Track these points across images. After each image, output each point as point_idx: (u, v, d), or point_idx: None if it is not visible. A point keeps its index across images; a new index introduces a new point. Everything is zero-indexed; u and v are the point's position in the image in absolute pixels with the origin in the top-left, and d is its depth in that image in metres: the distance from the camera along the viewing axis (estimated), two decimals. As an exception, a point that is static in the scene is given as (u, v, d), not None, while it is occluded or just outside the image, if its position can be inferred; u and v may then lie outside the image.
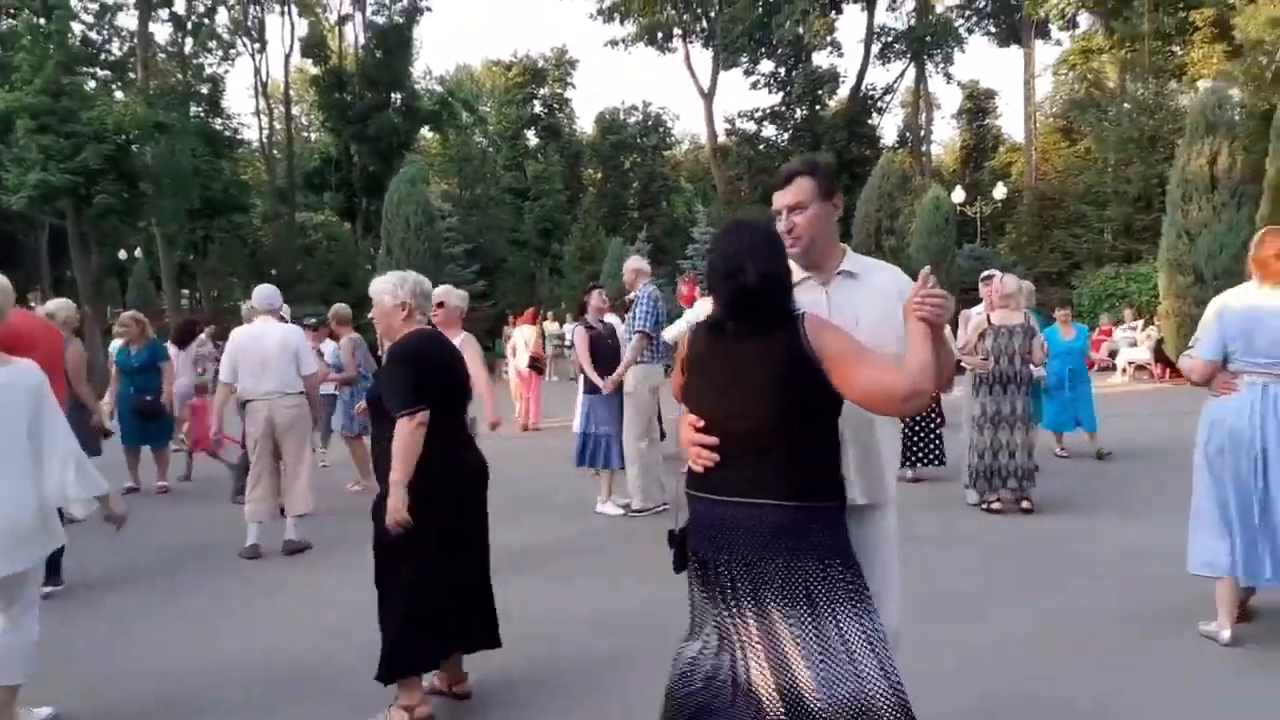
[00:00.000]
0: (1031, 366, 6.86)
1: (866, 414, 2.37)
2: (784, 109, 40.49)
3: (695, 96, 41.06)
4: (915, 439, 8.07)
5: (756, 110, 40.91)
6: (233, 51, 38.79)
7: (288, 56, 39.24)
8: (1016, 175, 38.09)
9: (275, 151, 40.70)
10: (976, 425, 6.84)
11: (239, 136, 39.38)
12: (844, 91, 40.43)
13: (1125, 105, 30.91)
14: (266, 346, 6.22)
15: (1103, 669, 3.89)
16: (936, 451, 8.11)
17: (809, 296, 2.53)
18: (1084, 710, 3.51)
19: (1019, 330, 6.71)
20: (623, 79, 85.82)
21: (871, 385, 2.21)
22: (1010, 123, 54.87)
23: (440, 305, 5.59)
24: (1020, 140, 39.97)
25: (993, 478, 6.77)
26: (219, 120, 37.58)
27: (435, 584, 3.48)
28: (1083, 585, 5.07)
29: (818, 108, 39.74)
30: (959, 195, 27.07)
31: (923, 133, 42.36)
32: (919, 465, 8.14)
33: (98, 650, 4.56)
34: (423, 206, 23.77)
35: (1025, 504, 6.79)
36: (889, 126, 56.16)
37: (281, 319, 6.75)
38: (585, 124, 49.57)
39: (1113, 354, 19.28)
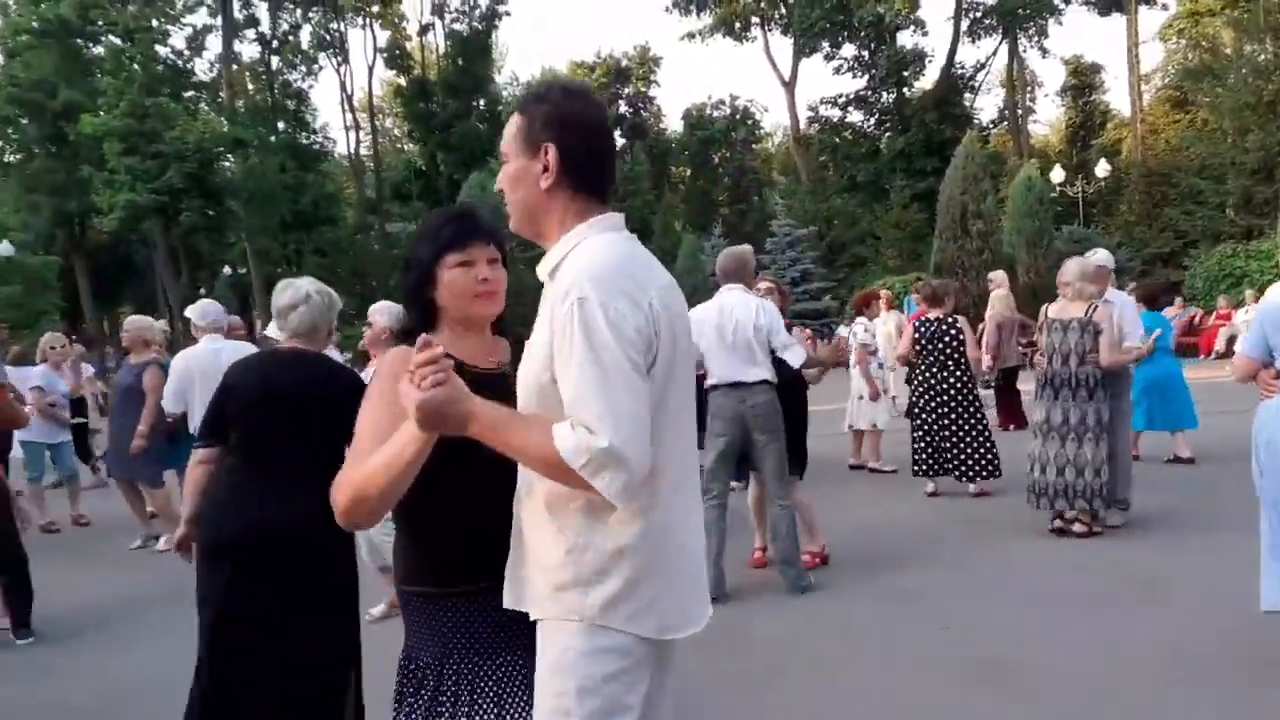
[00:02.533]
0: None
1: (518, 489, 1.69)
2: (869, 93, 38.98)
3: (779, 87, 40.05)
4: (966, 448, 7.17)
5: (840, 96, 39.50)
6: (316, 66, 39.65)
7: (371, 68, 39.97)
8: (1126, 152, 35.74)
9: (367, 164, 41.46)
10: (1034, 433, 5.91)
11: (326, 150, 40.21)
12: (934, 72, 38.73)
13: (1243, 70, 28.54)
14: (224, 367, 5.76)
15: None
16: (988, 461, 7.15)
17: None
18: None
19: (1075, 325, 5.74)
20: (708, 74, 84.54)
21: None
22: (1119, 97, 51.79)
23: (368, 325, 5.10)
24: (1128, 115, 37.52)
25: (1056, 496, 5.76)
26: (306, 135, 38.40)
27: (208, 668, 2.70)
28: (1141, 627, 4.18)
29: (904, 90, 38.07)
30: (1058, 175, 25.46)
31: (1020, 111, 40.21)
32: (978, 479, 7.21)
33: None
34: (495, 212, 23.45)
35: (1078, 526, 5.79)
36: (988, 106, 53.79)
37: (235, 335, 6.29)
38: (673, 121, 48.96)
39: (1231, 340, 17.50)
